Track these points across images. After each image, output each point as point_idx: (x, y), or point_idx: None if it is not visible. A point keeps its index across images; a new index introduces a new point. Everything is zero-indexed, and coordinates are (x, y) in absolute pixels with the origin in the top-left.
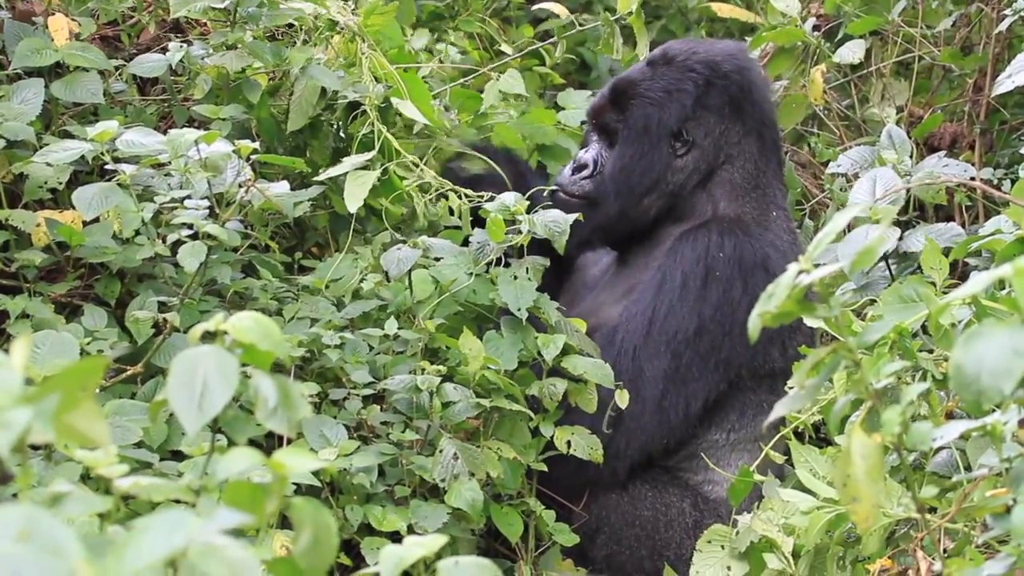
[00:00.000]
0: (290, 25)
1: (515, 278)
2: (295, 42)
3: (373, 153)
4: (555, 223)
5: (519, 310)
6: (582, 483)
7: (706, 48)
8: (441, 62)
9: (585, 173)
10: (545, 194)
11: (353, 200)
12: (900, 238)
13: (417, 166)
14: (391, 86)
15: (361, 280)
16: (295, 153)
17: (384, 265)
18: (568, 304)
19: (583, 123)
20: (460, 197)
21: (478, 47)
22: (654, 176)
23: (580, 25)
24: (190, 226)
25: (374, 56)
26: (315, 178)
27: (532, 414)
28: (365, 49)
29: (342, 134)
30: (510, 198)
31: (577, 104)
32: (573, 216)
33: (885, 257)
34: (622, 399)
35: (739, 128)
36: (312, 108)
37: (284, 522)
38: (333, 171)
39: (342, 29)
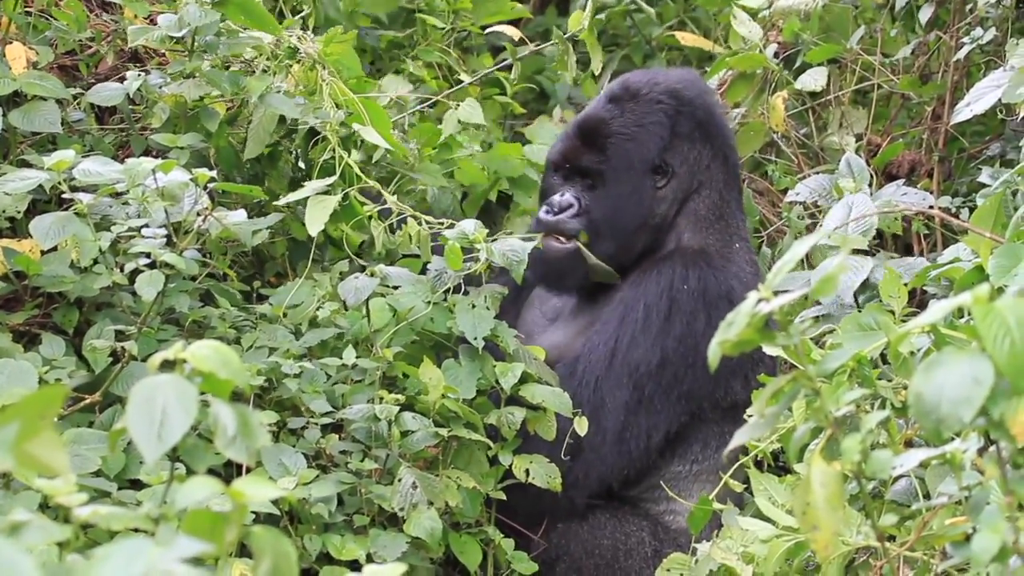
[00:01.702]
0: (249, 56)
1: (473, 307)
2: (253, 71)
3: (334, 178)
4: (512, 251)
5: (476, 339)
6: (539, 512)
7: (664, 77)
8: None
9: (570, 212)
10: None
11: (314, 224)
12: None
13: (379, 192)
14: (352, 112)
15: (318, 308)
16: (253, 181)
17: (341, 294)
18: (529, 334)
19: (554, 166)
20: (420, 224)
21: (437, 76)
22: (643, 211)
23: (538, 51)
24: (148, 255)
25: (334, 83)
26: (275, 203)
27: (491, 443)
28: (326, 76)
29: (300, 163)
30: (469, 226)
31: (544, 138)
32: (531, 244)
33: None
34: (581, 426)
35: (708, 151)
36: (269, 136)
37: (243, 551)
38: (293, 196)
39: (302, 57)
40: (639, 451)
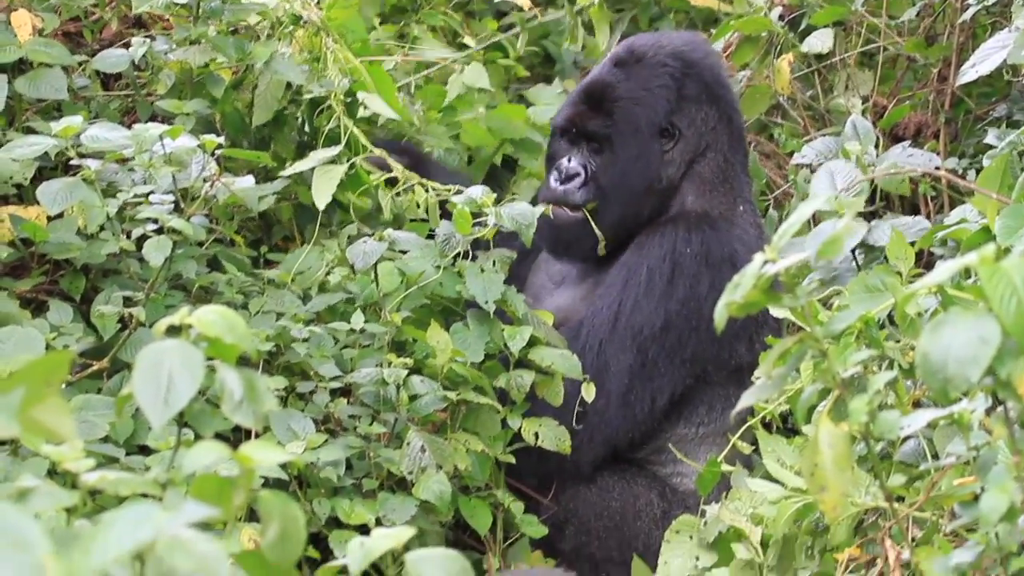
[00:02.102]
0: (254, 21)
1: (482, 271)
2: (258, 36)
3: (340, 148)
4: (521, 215)
5: (487, 303)
6: (546, 475)
7: (669, 40)
8: (406, 54)
9: (578, 182)
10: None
11: (321, 195)
12: (867, 230)
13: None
14: (356, 79)
15: (327, 273)
16: (260, 147)
17: (350, 258)
18: (536, 298)
19: (560, 131)
20: (427, 190)
21: (441, 40)
22: (651, 175)
23: (542, 18)
24: (155, 221)
25: (338, 50)
26: (281, 172)
27: (499, 406)
28: (330, 43)
29: (307, 128)
30: (477, 191)
31: (547, 100)
32: (539, 209)
33: (852, 249)
34: (588, 392)
35: (714, 113)
36: (276, 102)
37: (252, 515)
38: (299, 165)
39: (306, 23)
40: (644, 414)
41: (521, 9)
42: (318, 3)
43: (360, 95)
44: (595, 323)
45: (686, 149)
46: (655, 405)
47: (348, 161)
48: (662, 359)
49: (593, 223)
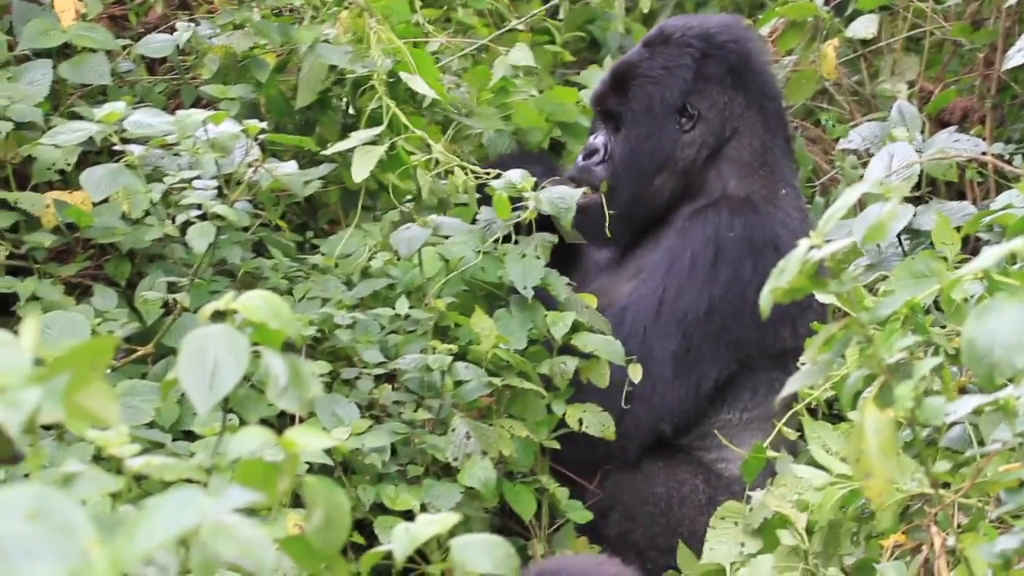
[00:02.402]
0: (298, 2)
1: (523, 256)
2: (302, 18)
3: (381, 128)
4: (561, 199)
5: (525, 288)
6: (592, 461)
7: (700, 22)
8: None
9: (596, 159)
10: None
11: (359, 172)
12: (913, 215)
13: (426, 142)
14: (399, 60)
15: (370, 258)
16: (304, 129)
17: (394, 244)
18: (578, 283)
19: (594, 108)
20: (466, 174)
21: (488, 23)
22: (663, 155)
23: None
24: (199, 206)
25: (381, 31)
26: (322, 153)
27: (544, 392)
28: (373, 24)
29: (351, 110)
30: (516, 175)
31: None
32: (579, 191)
33: (898, 235)
34: (635, 373)
35: (742, 98)
36: (320, 84)
37: (296, 501)
38: (340, 146)
39: (350, 4)
40: (689, 400)
41: None
42: None
43: (403, 75)
44: (639, 308)
45: (708, 131)
46: (700, 390)
47: (389, 141)
48: (707, 344)
49: (606, 202)
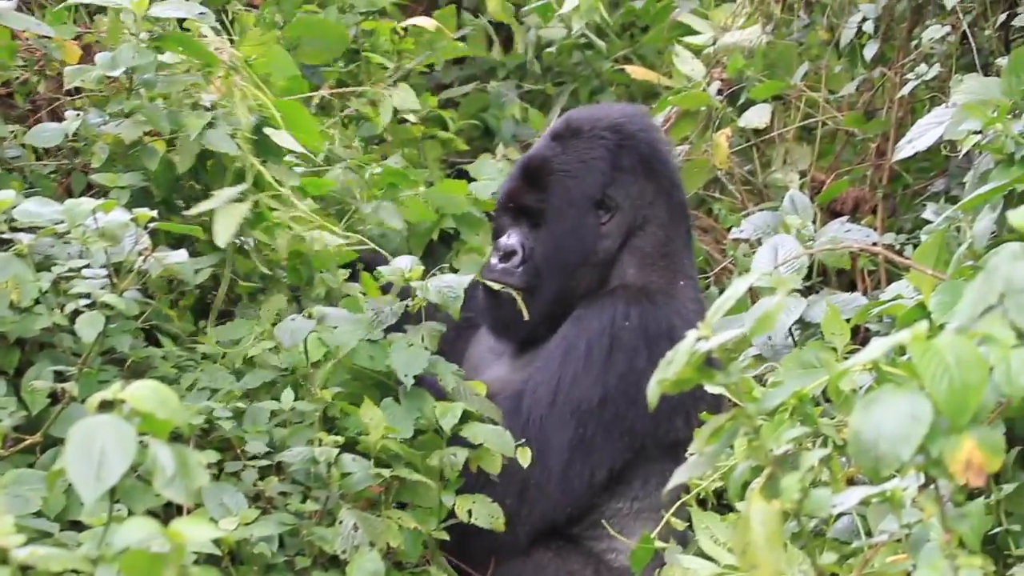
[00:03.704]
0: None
1: (410, 345)
2: (192, 98)
3: (245, 186)
4: (448, 288)
5: (406, 376)
6: (484, 550)
7: (606, 113)
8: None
9: (516, 260)
10: (465, 277)
11: (222, 234)
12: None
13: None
14: (266, 116)
15: (252, 347)
16: (192, 201)
17: (278, 335)
18: (476, 368)
19: (501, 207)
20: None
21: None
22: (585, 249)
23: (482, 88)
24: (88, 295)
25: (247, 87)
26: (184, 213)
27: (432, 483)
28: (239, 81)
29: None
30: (405, 262)
31: (489, 175)
32: (468, 278)
33: (790, 326)
34: (523, 457)
35: (652, 187)
36: (198, 147)
37: None
38: (204, 205)
39: (224, 65)
40: (583, 489)
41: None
42: (234, 42)
43: (267, 130)
44: (535, 397)
45: (623, 221)
46: (594, 479)
47: (253, 199)
48: (601, 433)
49: (526, 307)
